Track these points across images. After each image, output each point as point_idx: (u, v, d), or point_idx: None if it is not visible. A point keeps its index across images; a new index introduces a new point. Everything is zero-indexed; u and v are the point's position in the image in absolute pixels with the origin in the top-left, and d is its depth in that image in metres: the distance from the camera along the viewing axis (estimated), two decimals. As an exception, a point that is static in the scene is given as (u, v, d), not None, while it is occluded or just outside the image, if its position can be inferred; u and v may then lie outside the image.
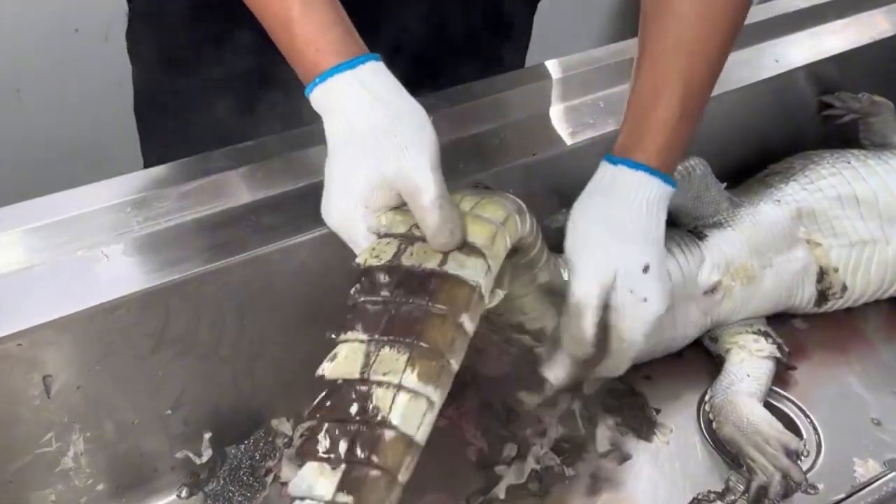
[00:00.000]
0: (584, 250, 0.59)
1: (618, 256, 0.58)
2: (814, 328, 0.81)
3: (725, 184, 0.77)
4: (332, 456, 0.43)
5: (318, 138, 0.63)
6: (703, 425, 0.72)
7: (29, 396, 0.55)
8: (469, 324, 0.48)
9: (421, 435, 0.44)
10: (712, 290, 0.73)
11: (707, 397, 0.73)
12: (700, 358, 0.77)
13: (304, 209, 0.62)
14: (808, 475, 0.67)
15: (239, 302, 0.59)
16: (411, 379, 0.44)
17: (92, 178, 0.63)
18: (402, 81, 0.54)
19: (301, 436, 0.55)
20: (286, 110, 0.74)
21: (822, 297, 0.78)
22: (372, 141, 0.50)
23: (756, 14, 0.88)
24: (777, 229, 0.76)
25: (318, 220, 0.61)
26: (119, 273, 0.55)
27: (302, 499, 0.42)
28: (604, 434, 0.68)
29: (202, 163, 0.63)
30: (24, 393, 0.54)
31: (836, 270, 0.77)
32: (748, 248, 0.74)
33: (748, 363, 0.73)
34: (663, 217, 0.61)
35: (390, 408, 0.43)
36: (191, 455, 0.63)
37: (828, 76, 0.85)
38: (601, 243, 0.58)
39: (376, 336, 0.46)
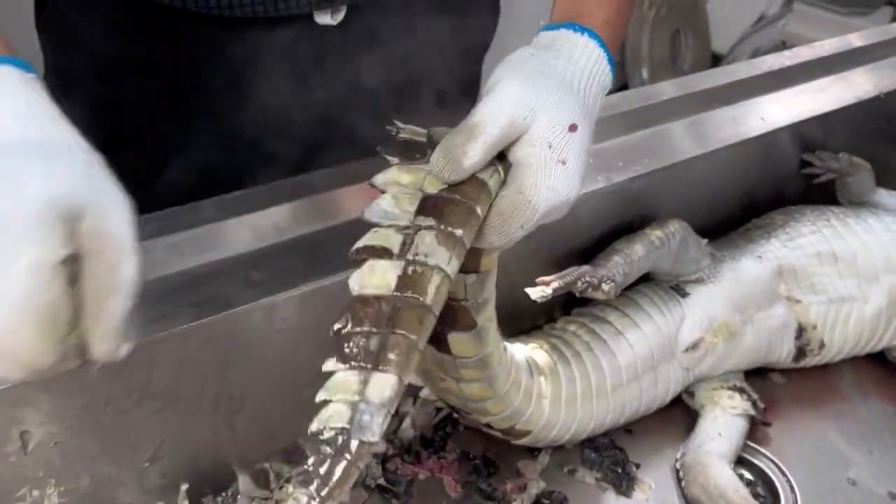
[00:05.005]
0: (507, 79, 0.50)
1: (545, 98, 0.49)
2: (792, 383, 0.81)
3: (706, 240, 0.77)
4: None
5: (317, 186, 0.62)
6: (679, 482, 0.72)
7: (4, 453, 0.54)
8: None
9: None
10: (694, 346, 0.73)
11: (679, 454, 0.73)
12: (682, 411, 0.77)
13: (292, 263, 0.61)
14: (784, 537, 0.68)
15: (223, 357, 0.58)
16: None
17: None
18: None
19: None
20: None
21: (801, 352, 0.79)
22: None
23: (744, 71, 0.89)
24: (758, 286, 0.76)
25: (305, 275, 0.61)
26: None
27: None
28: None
29: (191, 213, 0.62)
30: (0, 449, 0.53)
31: (814, 327, 0.78)
32: (730, 303, 0.75)
33: (721, 420, 0.73)
34: (599, 104, 0.54)
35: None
36: (167, 507, 0.63)
37: (812, 134, 0.86)
38: (529, 79, 0.49)
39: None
